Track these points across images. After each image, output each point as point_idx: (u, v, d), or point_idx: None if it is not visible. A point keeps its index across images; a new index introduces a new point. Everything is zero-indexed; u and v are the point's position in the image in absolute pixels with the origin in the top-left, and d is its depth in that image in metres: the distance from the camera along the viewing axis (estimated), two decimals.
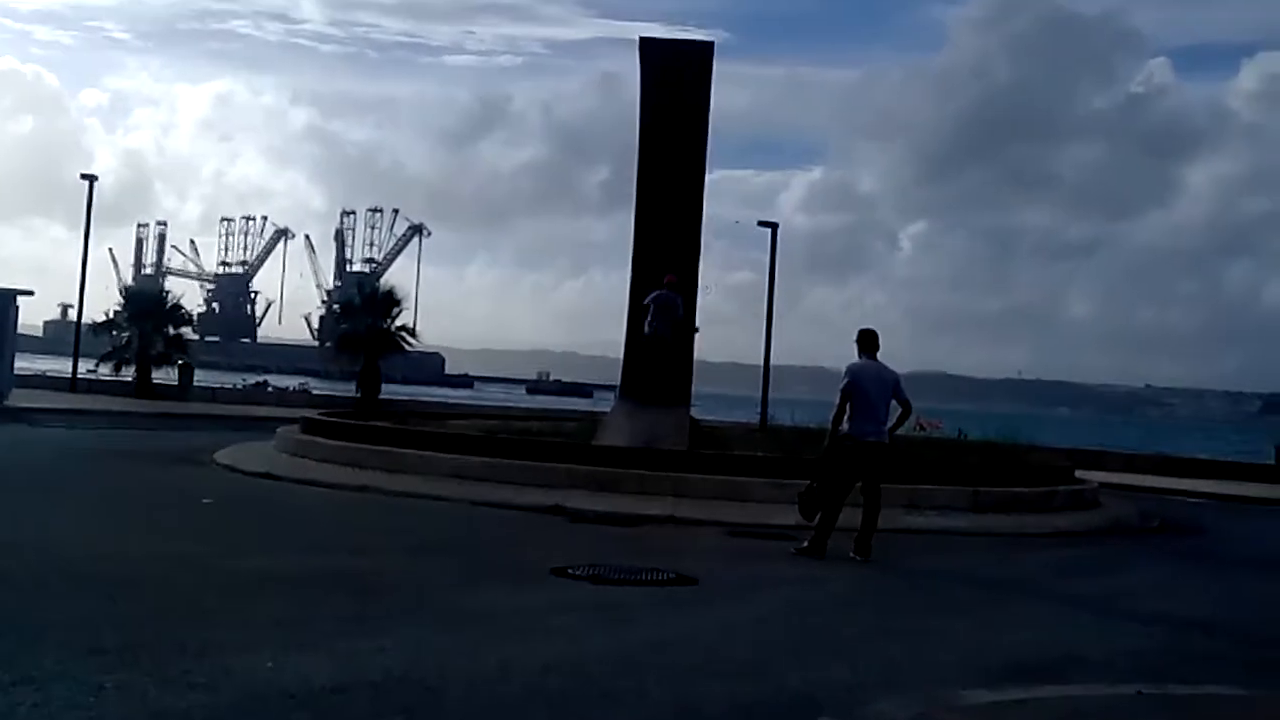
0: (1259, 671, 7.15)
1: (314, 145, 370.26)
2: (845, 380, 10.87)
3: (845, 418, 10.80)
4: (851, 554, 10.60)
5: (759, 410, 30.49)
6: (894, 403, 11.04)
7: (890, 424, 11.05)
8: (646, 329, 17.21)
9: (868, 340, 11.09)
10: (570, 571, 9.13)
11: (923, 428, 22.34)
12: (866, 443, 10.75)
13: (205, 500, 12.93)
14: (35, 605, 6.93)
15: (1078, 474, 18.39)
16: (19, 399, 29.67)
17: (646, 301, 17.22)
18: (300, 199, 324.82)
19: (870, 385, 10.83)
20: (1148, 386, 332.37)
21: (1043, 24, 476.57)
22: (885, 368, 11.07)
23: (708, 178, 18.42)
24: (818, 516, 10.78)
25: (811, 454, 15.76)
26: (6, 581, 7.54)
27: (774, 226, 35.95)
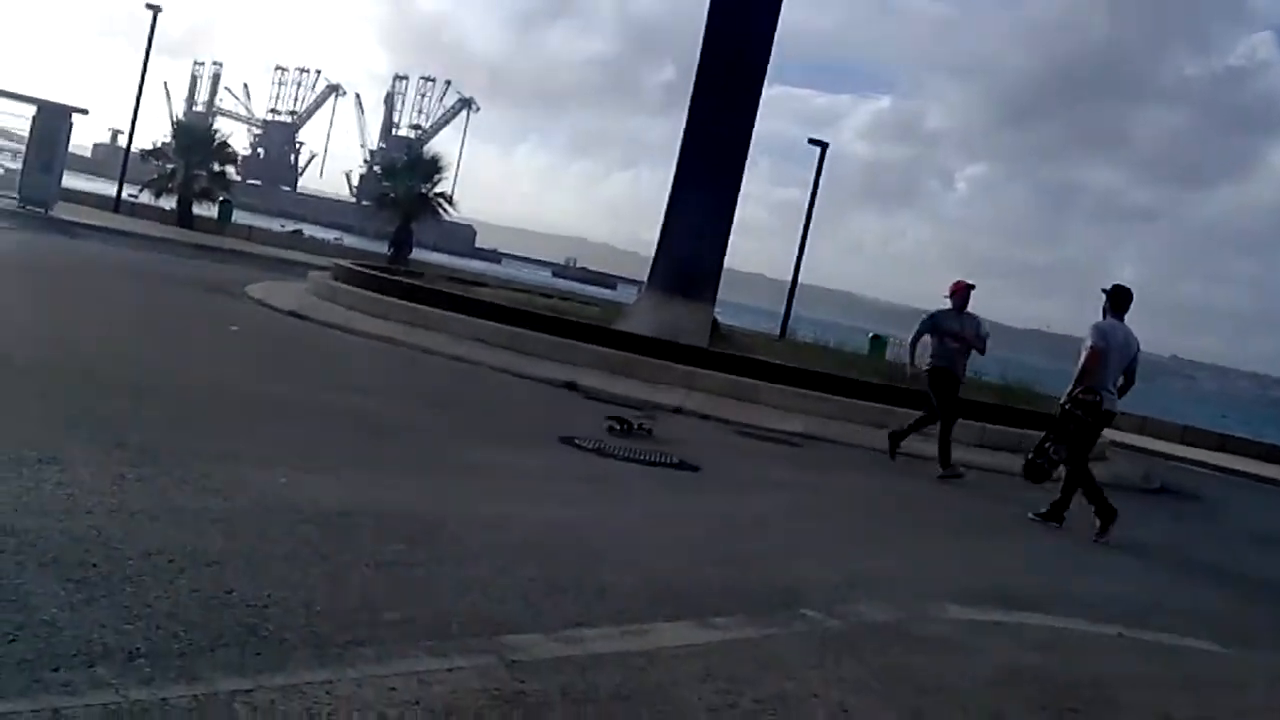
0: (1236, 632, 7.24)
1: (383, 6, 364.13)
2: (1095, 340, 9.60)
3: (1088, 381, 9.57)
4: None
5: (780, 323, 30.60)
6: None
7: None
8: (924, 359, 12.29)
9: (1121, 298, 9.85)
10: (577, 442, 9.31)
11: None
12: (1107, 410, 9.79)
13: (233, 327, 13.18)
14: (64, 398, 7.14)
15: None
16: (63, 212, 30.00)
17: (936, 320, 12.08)
18: (361, 58, 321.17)
19: (1117, 352, 9.68)
20: (1174, 357, 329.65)
21: None
22: (1131, 334, 9.89)
23: (767, 91, 18.21)
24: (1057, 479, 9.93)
25: (825, 368, 15.96)
26: (36, 374, 7.77)
27: (824, 146, 35.51)
